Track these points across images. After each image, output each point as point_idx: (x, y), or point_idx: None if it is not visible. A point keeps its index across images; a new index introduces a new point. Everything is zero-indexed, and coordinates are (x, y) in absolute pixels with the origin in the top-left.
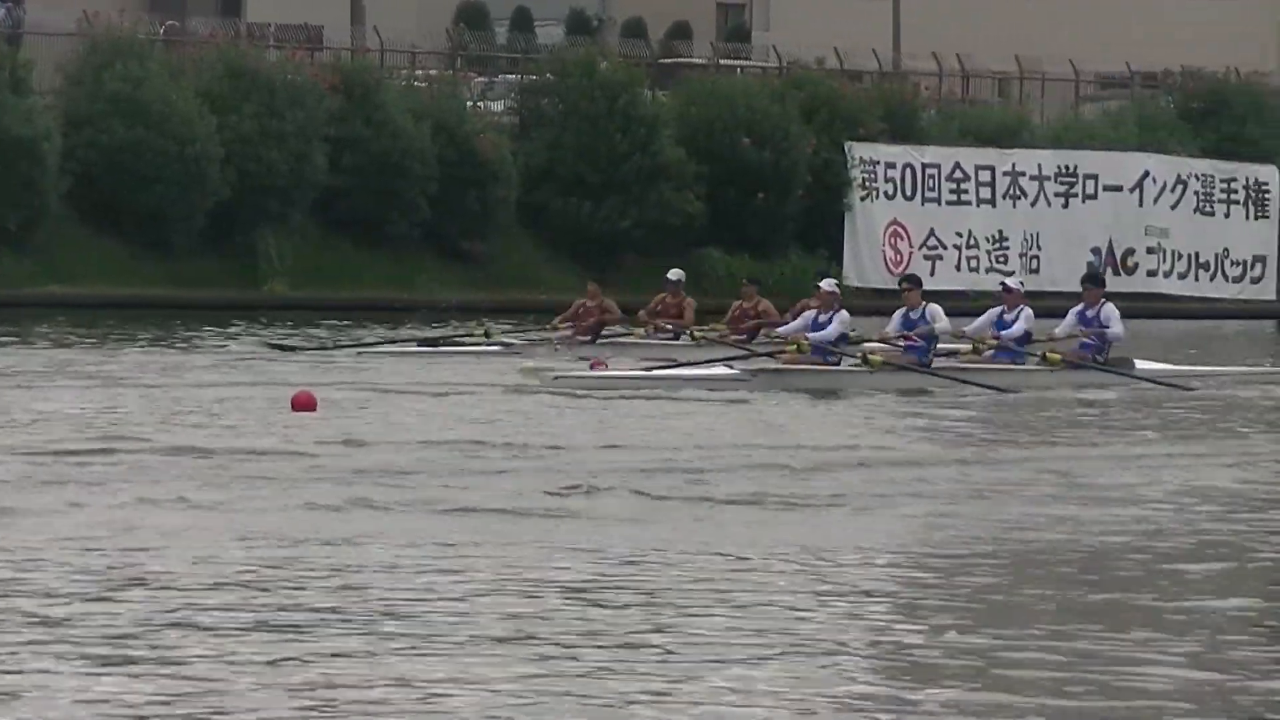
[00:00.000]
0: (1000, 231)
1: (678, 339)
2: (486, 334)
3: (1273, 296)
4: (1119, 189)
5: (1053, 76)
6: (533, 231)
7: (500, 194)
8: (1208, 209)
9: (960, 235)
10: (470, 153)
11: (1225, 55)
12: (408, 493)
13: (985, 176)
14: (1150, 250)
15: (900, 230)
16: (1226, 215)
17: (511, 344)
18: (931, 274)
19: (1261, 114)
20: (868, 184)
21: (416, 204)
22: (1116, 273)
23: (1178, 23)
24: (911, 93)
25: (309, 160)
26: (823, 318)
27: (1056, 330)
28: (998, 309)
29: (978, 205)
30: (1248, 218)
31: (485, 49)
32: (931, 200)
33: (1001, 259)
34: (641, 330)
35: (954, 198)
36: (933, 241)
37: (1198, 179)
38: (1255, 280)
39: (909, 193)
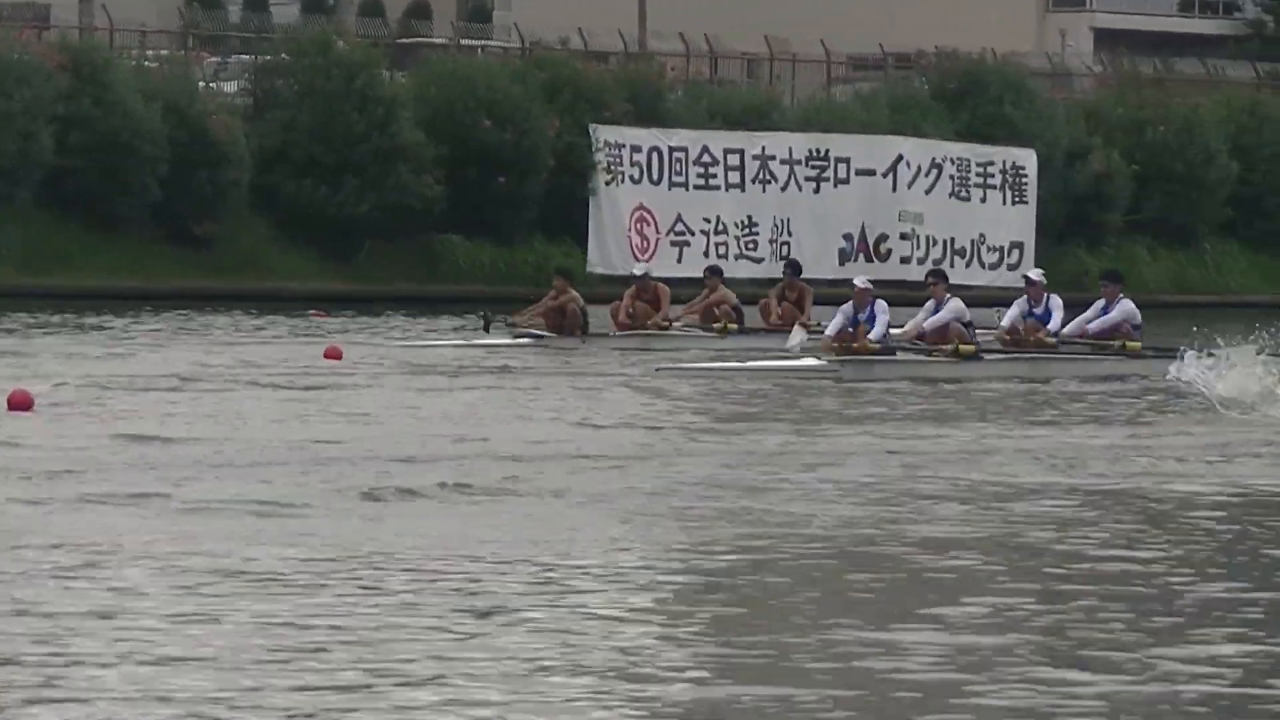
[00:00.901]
0: (750, 217)
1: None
2: (486, 327)
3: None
4: (872, 173)
5: (804, 57)
6: (266, 215)
7: (232, 176)
8: (963, 194)
9: (709, 221)
10: (202, 133)
11: (982, 36)
12: None
13: (734, 160)
14: (904, 236)
15: (646, 215)
16: (983, 200)
17: (541, 335)
18: (679, 261)
19: (1019, 95)
20: (613, 168)
21: (146, 185)
22: (869, 259)
23: (932, 3)
24: (658, 74)
25: (36, 140)
26: (862, 314)
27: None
28: (1023, 299)
29: (726, 190)
30: (1005, 202)
31: (218, 28)
32: (679, 185)
33: (751, 245)
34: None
35: (702, 182)
36: (680, 227)
37: (953, 163)
38: (1012, 267)
39: (656, 177)
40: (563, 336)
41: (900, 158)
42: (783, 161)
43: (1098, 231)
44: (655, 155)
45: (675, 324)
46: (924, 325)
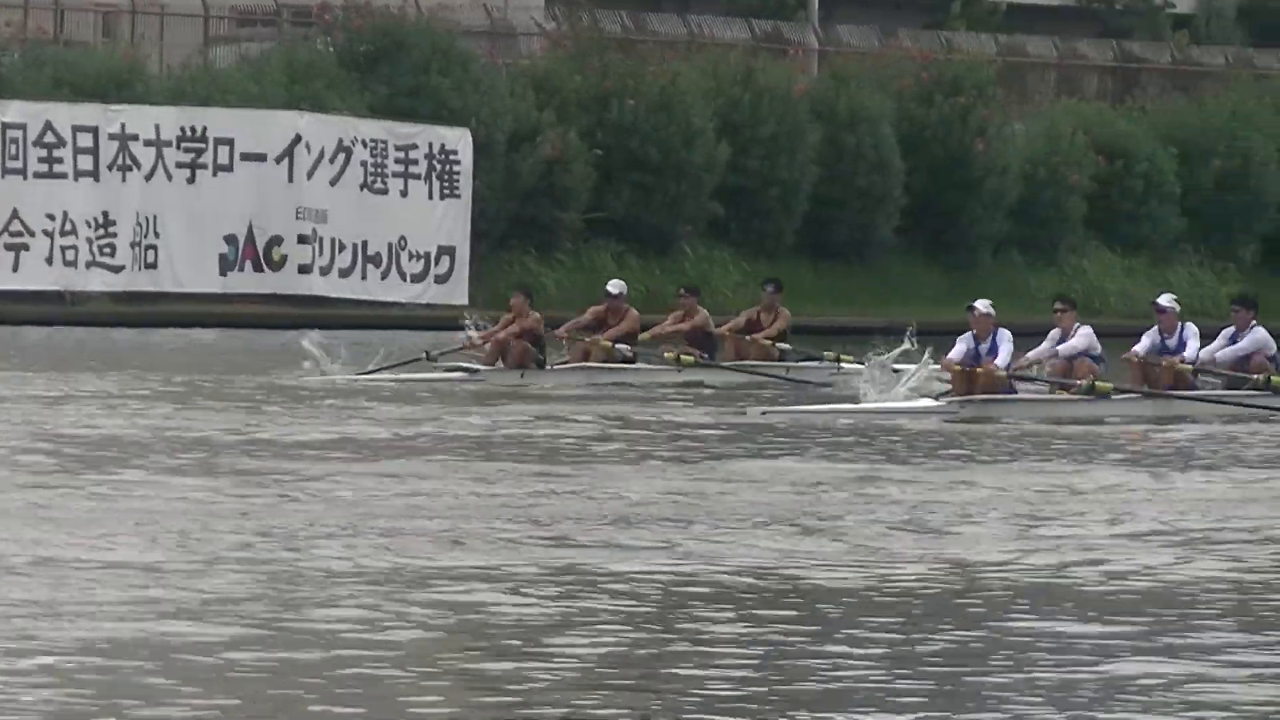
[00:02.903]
0: (106, 214)
1: (633, 361)
2: (428, 356)
3: (465, 300)
4: (262, 158)
5: (176, 10)
6: None
7: None
8: (379, 185)
9: (53, 218)
10: None
11: None
12: None
13: (86, 141)
14: (303, 239)
15: None
16: (404, 193)
17: (474, 369)
18: (15, 269)
19: (449, 61)
20: None
21: None
22: (259, 268)
23: None
24: None
25: None
26: (984, 345)
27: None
28: (1154, 330)
29: (76, 179)
30: (432, 196)
31: None
32: (15, 171)
33: (108, 249)
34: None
35: (45, 168)
36: (17, 226)
37: (366, 146)
38: (441, 279)
39: None
40: (504, 369)
41: (298, 139)
42: (148, 143)
43: (550, 234)
44: None
45: (622, 347)
46: (1052, 355)
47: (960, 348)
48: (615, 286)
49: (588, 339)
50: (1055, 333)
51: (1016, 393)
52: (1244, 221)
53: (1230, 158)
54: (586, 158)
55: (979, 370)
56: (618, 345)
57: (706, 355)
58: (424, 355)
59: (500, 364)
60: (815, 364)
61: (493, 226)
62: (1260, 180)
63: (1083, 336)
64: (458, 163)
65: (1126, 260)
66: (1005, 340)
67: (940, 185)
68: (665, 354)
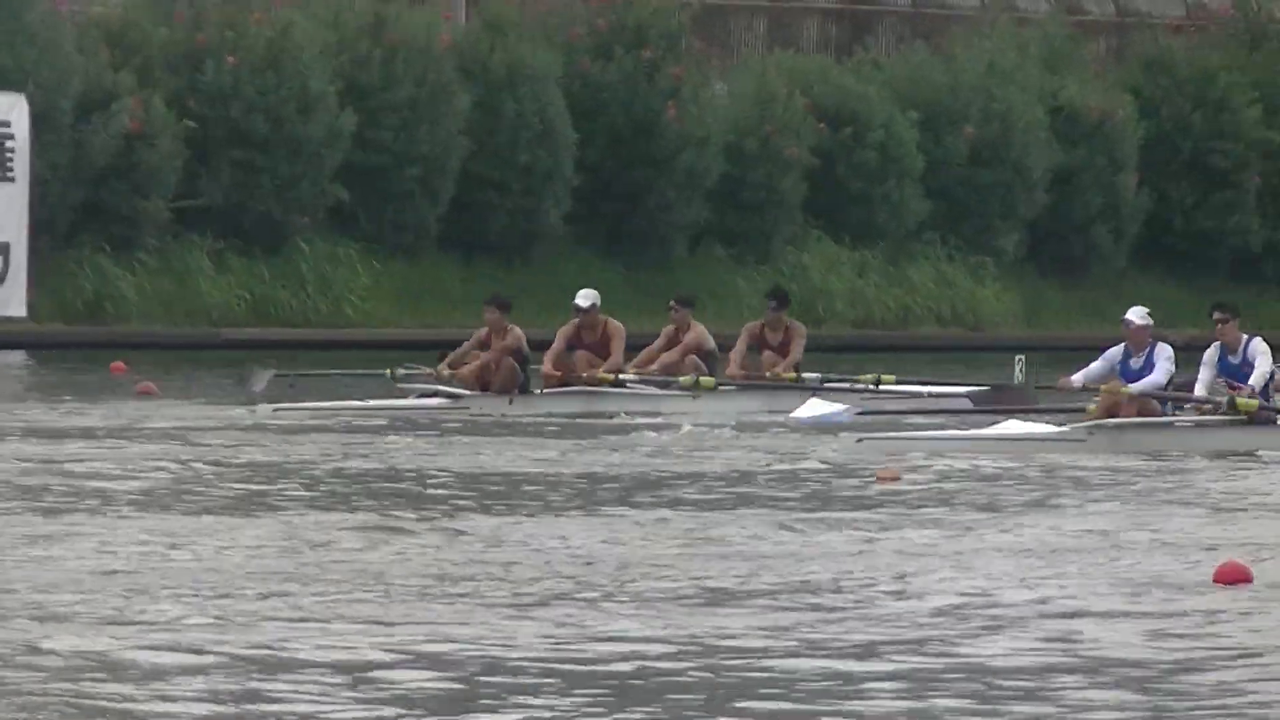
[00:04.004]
0: None
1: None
2: (392, 375)
3: (22, 311)
4: None
5: None
6: None
7: None
8: None
9: None
10: None
11: None
12: None
13: None
14: None
15: None
16: None
17: (458, 394)
18: None
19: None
20: None
21: None
22: None
23: None
24: None
25: None
26: (1136, 359)
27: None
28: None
29: None
30: None
31: None
32: None
33: None
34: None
35: None
36: None
37: None
38: None
39: None
40: (491, 395)
41: None
42: None
43: (130, 227)
44: None
45: (627, 377)
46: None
47: (1102, 365)
48: (585, 298)
49: (586, 376)
50: (1215, 349)
51: (1170, 417)
52: (1004, 205)
53: (986, 124)
54: (175, 131)
55: (1115, 391)
56: (604, 373)
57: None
58: (389, 374)
59: (480, 388)
60: (849, 387)
61: (57, 217)
62: (1024, 152)
63: (1264, 359)
64: (10, 137)
65: (858, 254)
66: (1163, 358)
67: (622, 161)
68: (681, 379)
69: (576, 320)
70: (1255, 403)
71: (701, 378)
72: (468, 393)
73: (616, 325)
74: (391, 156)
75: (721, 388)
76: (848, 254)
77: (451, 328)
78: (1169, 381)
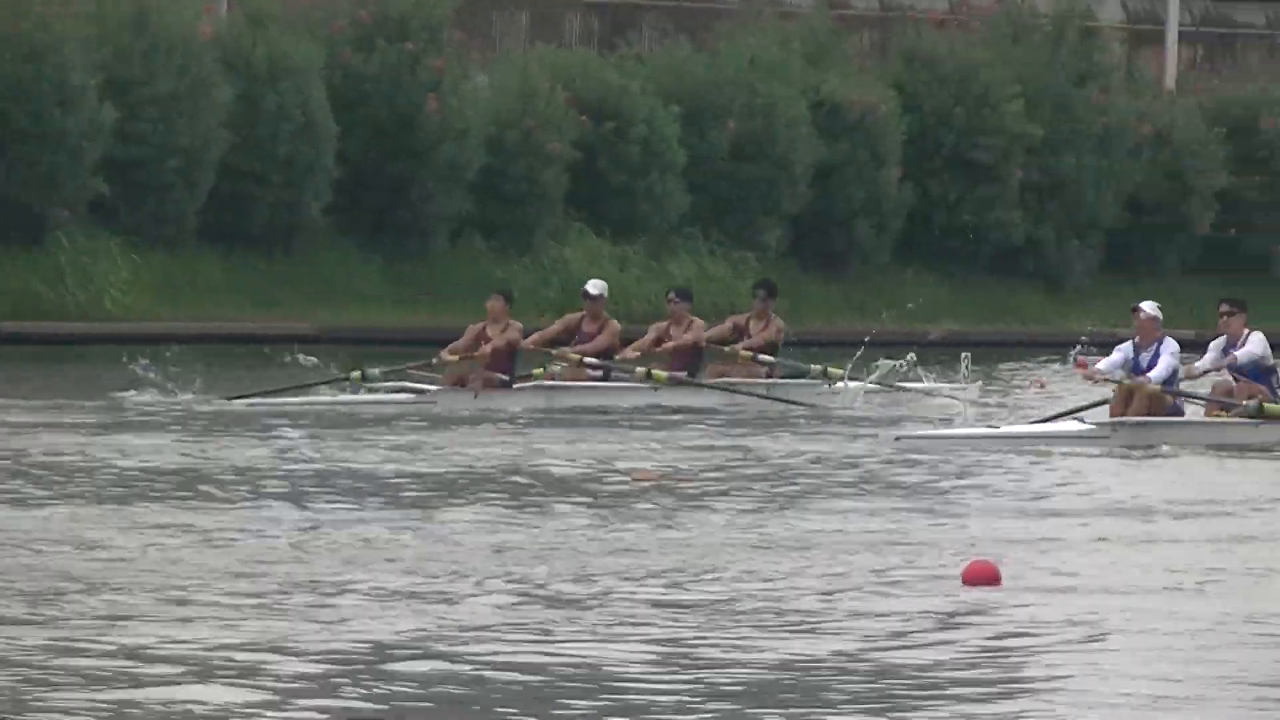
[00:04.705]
0: None
1: (607, 378)
2: (362, 376)
3: None
4: None
5: None
6: None
7: None
8: None
9: None
10: None
11: None
12: None
13: None
14: None
15: None
16: None
17: (422, 389)
18: None
19: None
20: None
21: None
22: None
23: None
24: None
25: None
26: (1145, 353)
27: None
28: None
29: None
30: None
31: None
32: None
33: None
34: (558, 367)
35: None
36: None
37: None
38: None
39: None
40: (458, 389)
41: None
42: None
43: None
44: None
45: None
46: (1218, 369)
47: (1116, 357)
48: (595, 287)
49: (555, 353)
50: (1221, 340)
51: (1183, 413)
52: (767, 199)
53: (749, 118)
54: None
55: (1133, 386)
56: (586, 360)
57: (686, 373)
58: (349, 376)
59: (461, 384)
60: (802, 381)
61: None
62: (787, 147)
63: (1257, 343)
64: None
65: (619, 248)
66: (1169, 351)
67: (384, 154)
68: (637, 369)
69: (586, 309)
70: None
71: (654, 371)
72: (432, 388)
73: (614, 323)
74: (152, 149)
75: (680, 385)
76: (609, 247)
77: (211, 320)
78: (1173, 375)
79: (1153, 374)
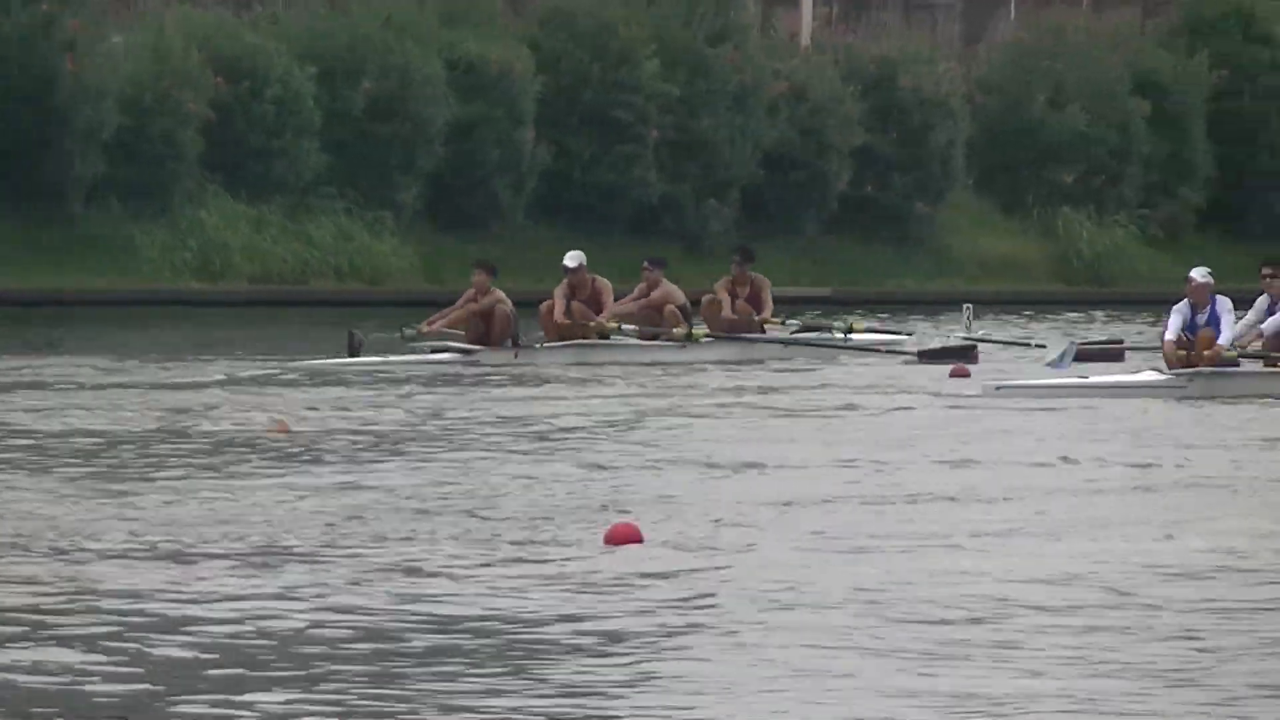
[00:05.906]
0: None
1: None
2: (354, 349)
3: None
4: None
5: None
6: None
7: None
8: None
9: None
10: None
11: None
12: None
13: None
14: None
15: None
16: None
17: (468, 349)
18: None
19: None
20: None
21: None
22: None
23: None
24: None
25: None
26: (1201, 314)
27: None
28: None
29: None
30: None
31: None
32: None
33: None
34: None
35: None
36: None
37: None
38: None
39: None
40: (494, 349)
41: None
42: None
43: None
44: None
45: (621, 328)
46: (1264, 328)
47: (1175, 320)
48: (573, 259)
49: (563, 323)
50: (1263, 300)
51: (1240, 366)
52: (402, 158)
53: (384, 77)
54: None
55: (1197, 350)
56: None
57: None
58: (400, 334)
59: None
60: (820, 335)
61: None
62: (422, 106)
63: None
64: None
65: (256, 209)
66: (1226, 311)
67: (22, 116)
68: (675, 330)
69: (567, 280)
70: None
71: (694, 329)
72: (475, 347)
73: (604, 281)
74: None
75: (705, 340)
76: (244, 209)
77: None
78: (1231, 334)
79: (1221, 339)
